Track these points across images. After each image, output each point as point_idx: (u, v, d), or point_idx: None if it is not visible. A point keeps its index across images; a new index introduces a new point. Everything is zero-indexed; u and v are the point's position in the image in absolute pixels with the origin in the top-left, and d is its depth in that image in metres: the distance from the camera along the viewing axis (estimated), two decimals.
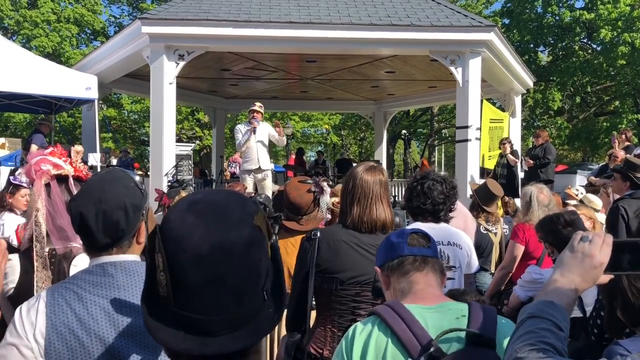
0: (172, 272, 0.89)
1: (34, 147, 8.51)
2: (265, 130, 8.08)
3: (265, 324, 0.96)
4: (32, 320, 1.34)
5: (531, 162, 9.17)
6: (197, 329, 0.90)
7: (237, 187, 6.21)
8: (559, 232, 3.11)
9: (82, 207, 1.43)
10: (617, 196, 4.64)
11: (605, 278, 1.18)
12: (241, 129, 7.92)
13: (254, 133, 7.79)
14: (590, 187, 7.38)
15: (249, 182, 7.88)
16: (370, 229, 2.35)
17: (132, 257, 1.49)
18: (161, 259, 0.90)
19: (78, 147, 7.35)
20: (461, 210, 3.90)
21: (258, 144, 7.88)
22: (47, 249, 1.93)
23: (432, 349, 1.42)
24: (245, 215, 0.94)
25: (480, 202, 4.49)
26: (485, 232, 4.43)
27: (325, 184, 3.25)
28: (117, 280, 1.41)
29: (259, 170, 7.93)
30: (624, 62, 21.71)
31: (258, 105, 7.84)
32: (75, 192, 2.01)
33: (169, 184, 7.69)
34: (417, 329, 1.48)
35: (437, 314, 1.56)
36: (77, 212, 1.43)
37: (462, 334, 1.47)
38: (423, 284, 1.64)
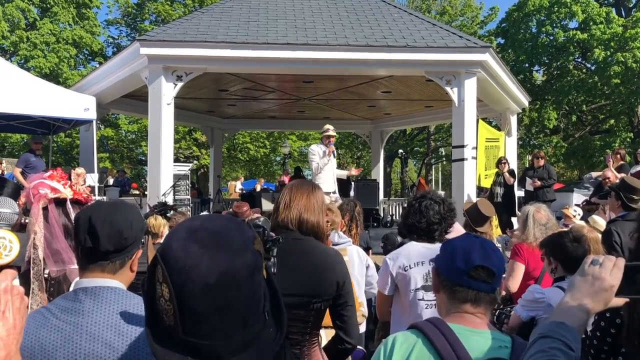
0: (180, 302, 0.90)
1: (17, 170, 8.65)
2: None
3: (269, 343, 0.98)
4: None
5: (538, 183, 9.29)
6: (204, 354, 0.92)
7: (244, 207, 6.19)
8: (565, 246, 3.10)
9: (91, 213, 1.50)
10: (613, 214, 4.67)
11: (620, 301, 1.19)
12: (318, 151, 7.92)
13: (334, 157, 7.98)
14: (587, 206, 7.40)
15: None
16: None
17: (114, 282, 1.50)
18: (167, 289, 0.91)
19: (79, 170, 7.33)
20: (461, 231, 3.90)
21: (332, 167, 8.01)
22: (47, 271, 1.93)
23: None
24: (245, 241, 0.96)
25: (472, 223, 4.48)
26: None
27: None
28: (84, 306, 1.42)
29: (333, 192, 8.01)
30: (618, 82, 21.94)
31: (332, 130, 7.96)
32: (72, 215, 2.02)
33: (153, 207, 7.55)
34: (459, 350, 1.50)
35: (480, 338, 1.57)
36: (86, 217, 1.48)
37: None
38: (471, 310, 1.66)
